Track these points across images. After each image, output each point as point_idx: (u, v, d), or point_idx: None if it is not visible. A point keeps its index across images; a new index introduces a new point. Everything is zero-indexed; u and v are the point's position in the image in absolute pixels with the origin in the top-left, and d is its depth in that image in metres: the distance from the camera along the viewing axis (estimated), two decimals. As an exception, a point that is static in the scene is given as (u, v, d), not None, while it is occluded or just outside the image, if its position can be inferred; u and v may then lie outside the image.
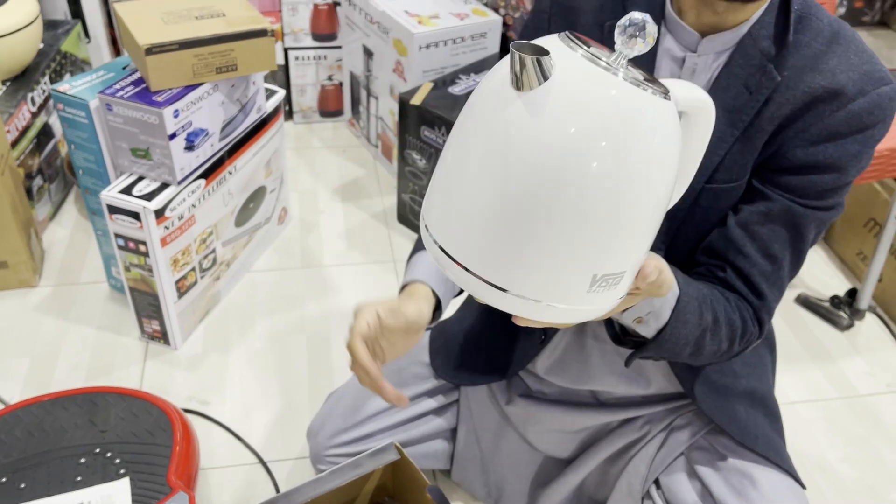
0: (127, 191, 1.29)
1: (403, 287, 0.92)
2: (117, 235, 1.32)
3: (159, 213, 1.29)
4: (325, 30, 2.01)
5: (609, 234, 0.56)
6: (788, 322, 1.62)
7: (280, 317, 1.57)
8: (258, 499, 1.23)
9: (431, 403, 1.16)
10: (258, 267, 1.69)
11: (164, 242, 1.32)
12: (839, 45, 0.79)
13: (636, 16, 0.56)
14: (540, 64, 0.53)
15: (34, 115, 1.65)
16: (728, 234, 0.84)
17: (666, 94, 0.57)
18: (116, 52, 2.09)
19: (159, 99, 1.24)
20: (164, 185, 1.31)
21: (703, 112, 0.64)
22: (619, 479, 1.04)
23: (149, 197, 1.28)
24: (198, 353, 1.48)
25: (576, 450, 1.10)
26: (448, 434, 1.19)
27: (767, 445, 0.97)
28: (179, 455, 1.15)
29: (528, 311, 0.60)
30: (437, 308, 0.90)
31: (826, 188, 0.81)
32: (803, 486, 0.97)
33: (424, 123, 1.61)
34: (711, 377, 0.96)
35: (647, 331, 0.81)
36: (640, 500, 1.02)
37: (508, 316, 1.09)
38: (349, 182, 1.96)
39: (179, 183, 1.31)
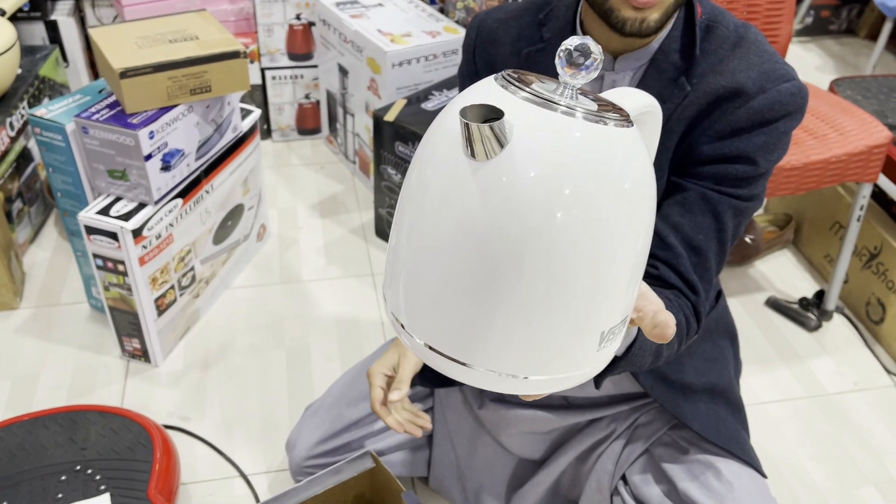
0: (104, 212, 1.31)
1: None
2: (96, 256, 1.35)
3: (137, 233, 1.31)
4: (301, 49, 2.05)
5: (615, 284, 0.50)
6: (758, 324, 1.66)
7: (260, 332, 1.59)
8: (239, 512, 1.25)
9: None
10: (237, 283, 1.71)
11: (142, 261, 1.35)
12: (741, 48, 0.84)
13: (576, 41, 0.49)
14: (497, 130, 0.46)
15: (13, 140, 1.67)
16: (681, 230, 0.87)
17: (626, 118, 0.51)
18: (95, 75, 2.12)
19: (135, 121, 1.27)
20: (142, 206, 1.33)
21: (653, 116, 0.60)
22: (589, 477, 1.07)
23: (126, 217, 1.30)
24: (178, 370, 1.50)
25: (547, 451, 1.13)
26: (424, 441, 1.22)
27: (729, 438, 1.00)
28: (160, 470, 1.17)
29: (546, 388, 0.53)
30: None
31: (738, 177, 0.84)
32: (764, 476, 1.00)
33: (399, 139, 1.65)
34: (671, 377, 0.99)
35: (619, 349, 0.81)
36: (610, 497, 1.05)
37: None
38: (328, 198, 1.99)
39: (156, 203, 1.34)
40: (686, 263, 0.85)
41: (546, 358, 0.51)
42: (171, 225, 1.40)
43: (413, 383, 1.17)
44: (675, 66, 0.84)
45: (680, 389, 1.01)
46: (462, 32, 1.83)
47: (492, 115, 0.47)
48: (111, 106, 1.31)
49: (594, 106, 0.50)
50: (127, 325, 1.44)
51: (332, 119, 2.09)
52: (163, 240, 1.38)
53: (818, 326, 1.64)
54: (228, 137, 1.51)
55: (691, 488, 0.96)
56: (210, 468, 1.33)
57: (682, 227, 0.85)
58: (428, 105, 1.70)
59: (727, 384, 1.05)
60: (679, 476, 0.98)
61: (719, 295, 1.08)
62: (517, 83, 0.50)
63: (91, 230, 1.31)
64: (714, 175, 0.84)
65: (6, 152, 1.65)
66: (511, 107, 0.48)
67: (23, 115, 1.71)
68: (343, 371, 1.49)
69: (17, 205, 1.70)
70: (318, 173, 2.08)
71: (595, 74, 0.49)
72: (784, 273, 1.80)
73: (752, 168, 0.84)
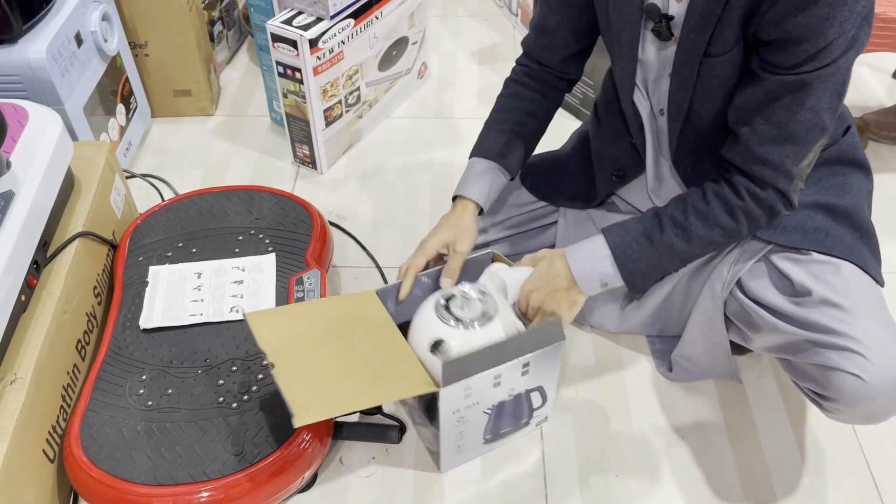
0: (288, 22, 1.49)
1: (456, 197, 1.17)
2: (278, 63, 1.54)
3: (313, 43, 1.48)
4: None
5: None
6: (911, 202, 1.60)
7: (412, 157, 1.75)
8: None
9: (531, 224, 1.31)
10: (397, 114, 1.87)
11: (315, 71, 1.52)
12: None
13: (467, 290, 1.07)
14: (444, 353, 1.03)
15: (218, -33, 1.89)
16: (735, 116, 0.95)
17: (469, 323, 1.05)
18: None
19: (319, -61, 1.41)
20: (319, 20, 1.50)
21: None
22: (703, 288, 1.14)
23: (305, 28, 1.47)
24: (339, 179, 1.70)
25: None
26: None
27: (849, 250, 1.02)
28: (316, 244, 1.37)
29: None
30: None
31: (810, 53, 0.85)
32: (882, 284, 1.03)
33: (559, -17, 1.69)
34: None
35: (615, 282, 1.04)
36: (724, 304, 1.11)
37: (588, 152, 1.24)
38: (487, 48, 2.08)
39: (332, 18, 1.50)
40: (759, 141, 0.92)
41: None
42: (342, 42, 1.56)
43: (531, 192, 1.29)
44: None
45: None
46: None
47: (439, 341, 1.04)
48: (300, -75, 1.46)
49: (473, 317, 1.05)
50: (299, 131, 1.65)
51: (501, -27, 2.15)
52: (335, 55, 1.55)
53: (978, 210, 1.56)
54: (400, -32, 1.63)
55: (806, 279, 1.00)
56: (357, 258, 1.53)
57: (765, 112, 0.91)
58: (593, -47, 1.72)
59: (849, 206, 1.05)
60: (794, 271, 1.01)
61: (847, 130, 1.08)
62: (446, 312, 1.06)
63: (276, 38, 1.49)
64: (785, 60, 0.86)
65: (212, -22, 1.87)
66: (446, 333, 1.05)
67: (227, -55, 1.92)
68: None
69: (218, 27, 1.94)
70: (481, 24, 2.17)
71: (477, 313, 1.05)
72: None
73: (820, 40, 0.83)
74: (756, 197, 0.96)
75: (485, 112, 1.87)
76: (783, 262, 1.04)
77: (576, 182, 1.25)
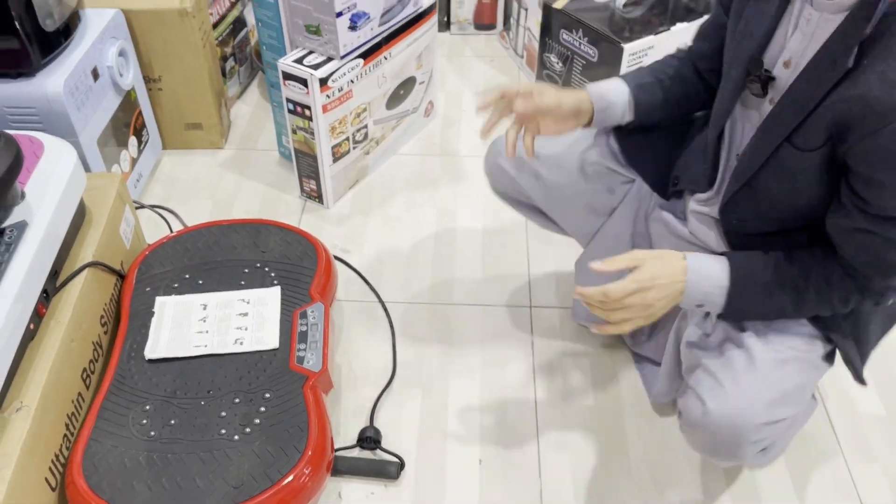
0: (299, 61, 1.53)
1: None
2: (288, 100, 1.57)
3: (323, 82, 1.52)
4: (486, -55, 2.16)
5: None
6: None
7: (417, 192, 1.78)
8: (377, 325, 1.47)
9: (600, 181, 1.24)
10: (403, 151, 1.90)
11: (325, 109, 1.56)
12: None
13: None
14: None
15: (232, 5, 1.94)
16: (836, 227, 0.89)
17: None
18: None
19: (331, -18, 1.46)
20: (329, 60, 1.54)
21: None
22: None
23: (316, 67, 1.51)
24: (345, 213, 1.73)
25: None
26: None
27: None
28: (320, 278, 1.39)
29: None
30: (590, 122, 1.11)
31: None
32: (831, 363, 1.03)
33: (564, 27, 1.74)
34: None
35: (714, 310, 0.97)
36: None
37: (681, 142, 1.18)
38: (493, 87, 2.12)
39: (342, 58, 1.54)
40: (857, 263, 0.89)
41: None
42: (352, 81, 1.59)
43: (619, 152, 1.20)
44: (856, 34, 0.76)
45: None
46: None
47: None
48: (314, -31, 1.51)
49: None
50: (307, 167, 1.68)
51: (507, 16, 2.20)
52: (344, 93, 1.59)
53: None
54: (409, 10, 1.67)
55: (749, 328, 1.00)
56: (360, 293, 1.55)
57: (857, 241, 0.87)
58: (597, -1, 1.77)
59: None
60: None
61: None
62: None
63: (287, 76, 1.53)
64: (875, 202, 0.81)
65: (225, 16, 1.92)
66: None
67: (242, -16, 1.97)
68: (484, 231, 1.65)
69: (230, 63, 1.99)
70: (487, 65, 2.22)
71: None
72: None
73: None
74: (873, 293, 0.92)
75: (489, 150, 1.92)
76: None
77: (666, 167, 1.18)
